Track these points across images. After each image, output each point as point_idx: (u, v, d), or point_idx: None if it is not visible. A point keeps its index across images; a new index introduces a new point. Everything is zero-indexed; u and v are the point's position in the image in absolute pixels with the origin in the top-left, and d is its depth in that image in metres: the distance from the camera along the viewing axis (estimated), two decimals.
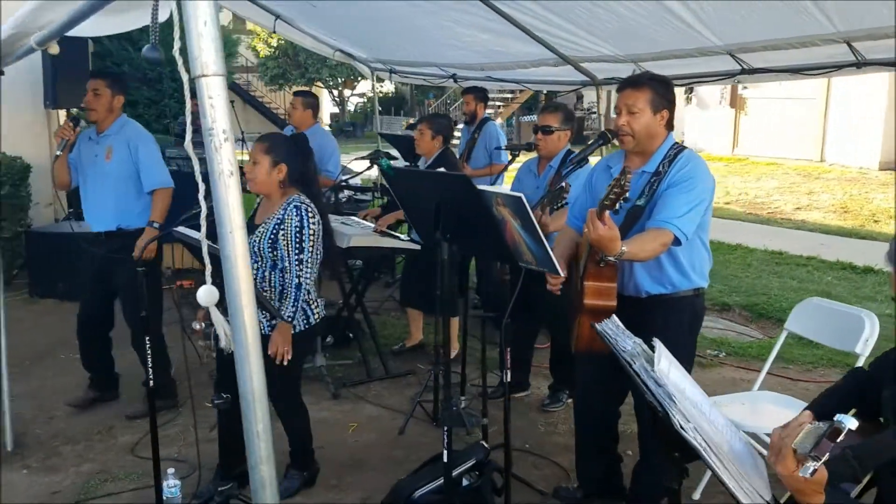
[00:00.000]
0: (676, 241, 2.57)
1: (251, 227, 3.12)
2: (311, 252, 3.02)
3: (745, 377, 4.73)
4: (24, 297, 6.24)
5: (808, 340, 3.95)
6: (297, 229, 2.99)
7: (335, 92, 27.56)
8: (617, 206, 2.26)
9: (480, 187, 2.32)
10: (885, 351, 1.65)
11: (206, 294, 1.44)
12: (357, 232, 4.44)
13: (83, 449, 3.70)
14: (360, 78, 19.96)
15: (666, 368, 1.47)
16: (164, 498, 3.02)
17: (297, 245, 2.99)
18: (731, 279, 6.94)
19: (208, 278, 1.44)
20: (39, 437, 3.81)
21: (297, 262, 3.00)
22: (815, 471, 1.29)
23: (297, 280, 3.00)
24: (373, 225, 4.69)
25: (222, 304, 1.39)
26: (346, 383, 4.52)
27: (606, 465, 3.24)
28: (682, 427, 1.29)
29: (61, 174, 3.95)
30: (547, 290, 2.89)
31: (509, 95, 21.82)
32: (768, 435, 2.89)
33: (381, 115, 25.93)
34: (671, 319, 2.82)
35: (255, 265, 3.07)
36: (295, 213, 3.00)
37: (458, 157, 6.12)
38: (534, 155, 4.15)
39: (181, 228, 2.82)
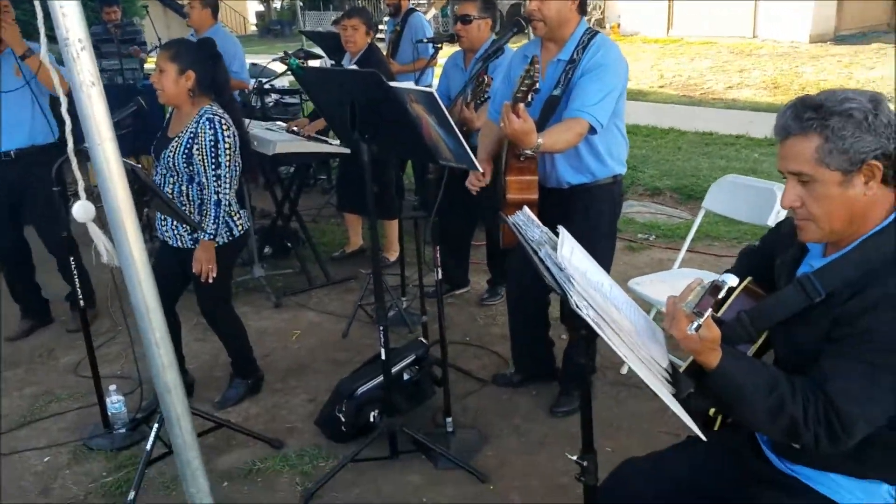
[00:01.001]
0: (592, 130, 2.60)
1: (164, 140, 3.04)
2: (229, 166, 2.95)
3: (672, 257, 4.88)
4: None
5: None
6: (212, 143, 2.91)
7: None
8: (529, 97, 2.25)
9: (392, 84, 2.28)
10: (775, 225, 1.74)
11: (82, 210, 1.41)
12: (283, 138, 4.34)
13: (24, 372, 3.70)
14: None
15: (568, 253, 1.53)
16: (110, 413, 3.08)
17: (213, 160, 2.92)
18: (662, 163, 7.07)
19: (81, 193, 1.41)
20: None
21: (214, 178, 2.94)
22: (699, 325, 1.38)
23: (215, 196, 2.95)
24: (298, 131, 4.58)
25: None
26: (287, 292, 4.55)
27: (540, 349, 3.39)
28: (577, 306, 1.36)
29: None
30: (480, 187, 2.92)
31: None
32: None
33: (308, 11, 24.84)
34: (592, 208, 2.90)
35: (172, 179, 3.01)
36: (209, 127, 2.91)
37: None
38: (459, 48, 4.07)
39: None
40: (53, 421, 3.25)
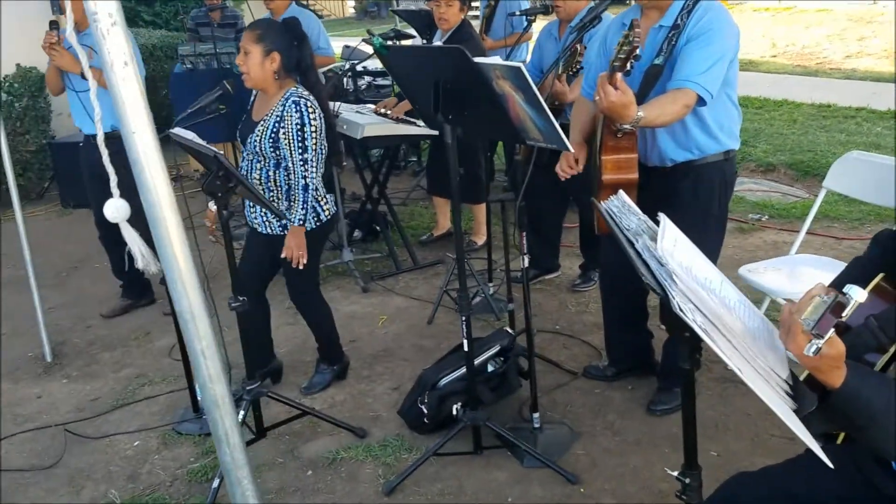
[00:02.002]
0: (701, 101, 2.35)
1: (250, 124, 2.99)
2: (315, 149, 2.88)
3: (787, 240, 4.53)
4: (57, 209, 6.34)
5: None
6: (298, 127, 2.84)
7: None
8: (628, 66, 2.03)
9: (476, 59, 2.11)
10: None
11: (113, 208, 1.26)
12: (372, 121, 4.26)
13: (121, 355, 3.79)
14: None
15: (670, 246, 1.33)
16: (199, 399, 3.10)
17: (300, 144, 2.85)
18: (776, 137, 6.58)
19: (114, 189, 1.29)
20: (78, 346, 3.91)
21: (301, 162, 2.87)
22: (818, 349, 1.16)
23: (303, 181, 2.88)
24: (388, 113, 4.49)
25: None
26: (374, 277, 4.49)
27: (636, 341, 3.17)
28: (680, 309, 1.17)
29: (53, 81, 3.85)
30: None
31: None
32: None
33: None
34: (700, 188, 2.64)
35: (259, 164, 2.97)
36: (294, 110, 2.84)
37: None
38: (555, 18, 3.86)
39: (177, 130, 2.70)
40: (146, 405, 3.31)
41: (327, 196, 3.07)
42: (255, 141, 2.92)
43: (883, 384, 1.27)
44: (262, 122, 2.92)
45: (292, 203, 2.93)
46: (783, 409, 1.18)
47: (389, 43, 2.60)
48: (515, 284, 3.66)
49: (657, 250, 1.30)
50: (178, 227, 0.90)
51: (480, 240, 4.76)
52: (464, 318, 2.63)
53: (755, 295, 3.43)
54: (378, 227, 4.93)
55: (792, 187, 5.56)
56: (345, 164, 6.11)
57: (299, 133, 2.84)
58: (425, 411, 2.82)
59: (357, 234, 5.02)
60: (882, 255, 1.63)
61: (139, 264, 1.53)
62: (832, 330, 1.15)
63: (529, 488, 2.59)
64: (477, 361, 2.90)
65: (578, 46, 2.93)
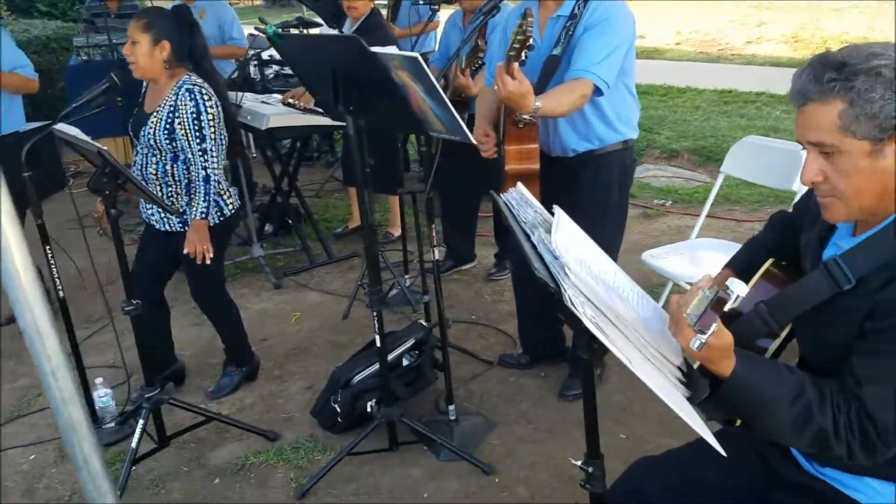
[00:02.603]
0: (598, 91, 2.37)
1: (142, 116, 2.85)
2: (214, 139, 2.76)
3: (691, 224, 4.63)
4: None
5: None
6: (194, 116, 2.72)
7: None
8: (523, 55, 2.02)
9: (374, 49, 2.06)
10: (809, 189, 1.51)
11: None
12: (278, 111, 4.14)
13: (15, 363, 3.57)
14: None
15: (564, 238, 1.32)
16: (98, 408, 2.94)
17: (198, 133, 2.73)
18: (679, 124, 6.78)
19: None
20: None
21: (200, 153, 2.75)
22: (702, 344, 1.18)
23: (203, 172, 2.76)
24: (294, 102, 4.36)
25: None
26: (286, 272, 4.38)
27: (548, 328, 3.20)
28: (571, 302, 1.16)
29: None
30: (481, 157, 2.71)
31: None
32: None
33: None
34: (600, 177, 2.69)
35: (154, 158, 2.83)
36: (189, 98, 2.72)
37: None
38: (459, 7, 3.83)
39: (60, 125, 2.54)
40: (42, 416, 3.12)
41: (230, 189, 2.96)
42: (149, 133, 2.78)
43: (773, 372, 1.30)
44: (154, 114, 2.78)
45: (193, 197, 2.80)
46: (674, 399, 1.19)
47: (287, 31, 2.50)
48: (432, 275, 3.64)
49: (552, 243, 1.28)
50: (19, 240, 0.81)
51: (396, 231, 4.71)
52: (375, 314, 2.58)
53: (659, 279, 3.52)
54: (290, 221, 4.81)
55: (695, 172, 5.74)
56: (254, 156, 5.98)
57: (196, 122, 2.72)
58: (338, 410, 2.76)
59: (268, 228, 4.89)
60: (776, 236, 1.68)
61: None
62: (714, 326, 1.16)
63: (445, 482, 2.58)
64: (391, 356, 2.86)
65: (479, 42, 2.91)
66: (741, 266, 1.65)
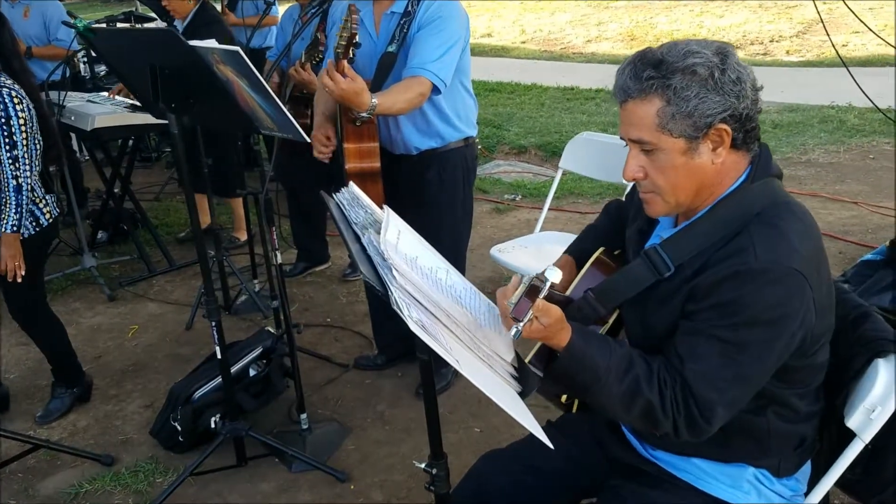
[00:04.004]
0: (435, 90, 2.36)
1: None
2: (26, 144, 2.52)
3: (539, 217, 4.82)
4: None
5: None
6: (4, 120, 2.47)
7: None
8: (351, 52, 1.97)
9: (193, 43, 1.93)
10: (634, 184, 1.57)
11: None
12: (104, 111, 3.84)
13: None
14: None
15: (394, 238, 1.29)
16: None
17: (8, 140, 2.48)
18: (526, 121, 7.00)
19: None
20: None
21: (10, 160, 2.50)
22: (518, 332, 1.19)
23: (14, 181, 2.51)
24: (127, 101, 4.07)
25: None
26: (123, 282, 4.08)
27: (401, 326, 3.16)
28: (398, 306, 1.13)
29: None
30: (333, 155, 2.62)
31: None
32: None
33: None
34: (446, 174, 2.70)
35: None
36: None
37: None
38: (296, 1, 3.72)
39: None
40: None
41: (46, 197, 2.71)
42: None
43: (605, 345, 1.33)
44: None
45: (3, 208, 2.54)
46: (502, 396, 1.19)
47: (98, 26, 2.30)
48: (287, 279, 3.52)
49: (381, 244, 1.24)
50: None
51: (242, 235, 4.52)
52: (213, 324, 2.44)
53: (508, 273, 3.60)
54: (125, 227, 4.50)
55: (542, 167, 5.94)
56: (85, 159, 5.54)
57: (5, 127, 2.47)
58: (179, 428, 2.59)
59: (101, 236, 4.54)
60: (610, 224, 1.73)
61: None
62: (529, 313, 1.17)
63: (298, 495, 2.49)
64: (236, 367, 2.73)
65: (319, 35, 2.83)
66: (578, 254, 1.70)
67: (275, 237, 2.59)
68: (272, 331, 3.02)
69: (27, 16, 4.53)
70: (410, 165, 2.67)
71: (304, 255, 4.22)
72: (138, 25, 5.50)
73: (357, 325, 3.62)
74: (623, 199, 1.80)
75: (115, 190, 4.40)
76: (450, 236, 2.77)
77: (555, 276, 1.16)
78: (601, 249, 1.64)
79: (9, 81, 2.54)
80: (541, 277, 1.17)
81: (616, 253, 1.66)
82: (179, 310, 3.81)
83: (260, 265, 3.94)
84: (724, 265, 1.26)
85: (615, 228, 1.71)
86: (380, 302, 3.12)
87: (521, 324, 1.17)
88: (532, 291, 1.17)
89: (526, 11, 14.29)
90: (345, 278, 4.13)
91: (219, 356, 2.46)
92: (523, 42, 11.83)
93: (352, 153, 2.41)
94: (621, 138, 1.38)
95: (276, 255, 2.61)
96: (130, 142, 4.50)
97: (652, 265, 1.36)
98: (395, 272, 1.16)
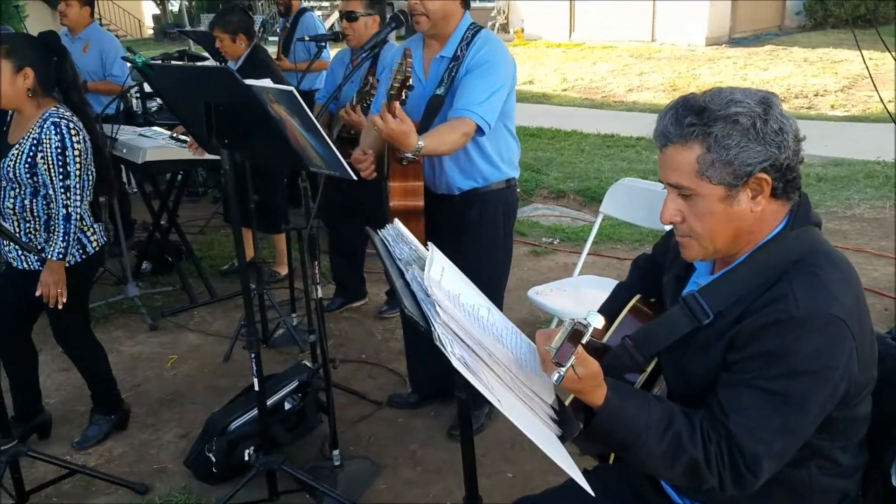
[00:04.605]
0: (479, 131, 2.40)
1: (3, 147, 2.65)
2: (79, 175, 2.60)
3: (577, 261, 4.78)
4: None
5: None
6: (59, 150, 2.55)
7: None
8: (403, 95, 2.03)
9: (248, 82, 2.00)
10: (668, 230, 1.57)
11: None
12: (155, 145, 3.97)
13: None
14: None
15: (437, 275, 1.30)
16: None
17: (62, 169, 2.56)
18: (566, 166, 7.02)
19: None
20: None
21: (62, 189, 2.58)
22: (560, 377, 1.18)
23: (64, 210, 2.59)
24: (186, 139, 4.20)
25: None
26: (165, 312, 4.16)
27: (436, 365, 3.16)
28: (441, 342, 1.14)
29: None
30: (371, 192, 2.68)
31: None
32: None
33: (206, 14, 23.92)
34: (486, 215, 2.72)
35: (12, 192, 2.63)
36: (54, 132, 2.55)
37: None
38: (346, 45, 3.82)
39: None
40: None
41: (94, 225, 2.79)
42: (9, 166, 2.59)
43: (643, 402, 1.32)
44: (17, 146, 2.60)
45: (51, 235, 2.62)
46: (543, 438, 1.18)
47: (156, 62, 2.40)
48: (324, 314, 3.55)
49: (425, 280, 1.26)
50: None
51: (283, 270, 4.59)
52: (253, 355, 2.47)
53: (547, 316, 3.58)
54: (170, 259, 4.59)
55: (580, 212, 5.94)
56: (134, 191, 5.70)
57: (60, 157, 2.56)
58: (213, 459, 2.61)
59: (145, 266, 4.64)
60: (640, 278, 1.73)
61: None
62: (572, 358, 1.17)
63: None
64: (272, 400, 2.75)
65: (371, 79, 2.91)
66: (610, 313, 1.69)
67: (316, 272, 2.63)
68: (309, 365, 3.04)
69: (86, 51, 4.72)
70: (452, 205, 2.70)
71: (341, 291, 4.26)
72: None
73: (392, 362, 3.63)
74: (651, 251, 1.79)
75: (162, 222, 4.51)
76: (488, 276, 2.77)
77: (597, 321, 1.16)
78: (637, 297, 1.64)
79: (68, 113, 2.64)
80: (583, 322, 1.17)
81: (652, 301, 1.66)
82: (219, 341, 3.86)
83: (299, 299, 3.98)
84: (764, 313, 1.25)
85: (644, 281, 1.71)
86: (416, 340, 3.14)
87: (564, 369, 1.17)
88: (574, 336, 1.17)
89: (568, 60, 14.45)
90: (381, 315, 4.15)
91: (256, 388, 2.48)
92: (564, 90, 11.93)
93: (396, 191, 2.46)
94: (660, 181, 1.38)
95: (316, 290, 2.64)
96: (179, 176, 4.62)
97: (690, 312, 1.35)
98: (438, 308, 1.17)
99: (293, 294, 3.97)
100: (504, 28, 18.38)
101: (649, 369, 1.45)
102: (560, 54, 15.27)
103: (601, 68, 13.37)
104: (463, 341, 1.16)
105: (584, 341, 1.16)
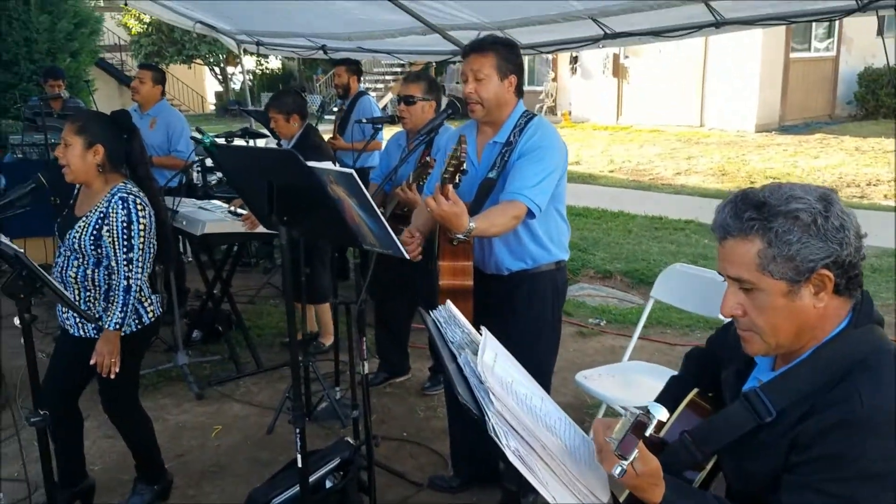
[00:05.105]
0: (530, 214, 2.43)
1: (70, 219, 2.77)
2: (142, 249, 2.69)
3: (624, 345, 4.67)
4: None
5: None
6: (125, 225, 2.66)
7: (217, 69, 26.30)
8: (457, 178, 2.08)
9: (311, 164, 2.08)
10: (724, 324, 1.54)
11: None
12: (214, 217, 4.10)
13: None
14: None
15: (490, 360, 1.30)
16: None
17: (126, 243, 2.66)
18: (613, 246, 7.00)
19: None
20: None
21: (125, 262, 2.67)
22: (623, 471, 1.15)
23: (125, 282, 2.67)
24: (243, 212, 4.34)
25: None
26: (211, 382, 4.20)
27: (480, 449, 3.10)
28: (495, 432, 1.12)
29: None
30: (419, 267, 2.71)
31: (400, 70, 21.47)
32: (639, 408, 2.86)
33: (267, 92, 24.98)
34: (534, 297, 2.72)
35: (76, 262, 2.72)
36: (121, 207, 2.66)
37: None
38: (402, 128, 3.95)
39: None
40: None
41: (152, 297, 2.86)
42: (74, 237, 2.69)
43: (702, 502, 1.27)
44: (83, 218, 2.71)
45: (110, 305, 2.69)
46: None
47: (221, 141, 2.52)
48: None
49: (478, 365, 1.26)
50: None
51: (328, 341, 4.63)
52: (297, 431, 2.46)
53: (593, 400, 3.51)
54: (219, 328, 4.67)
55: (628, 294, 5.87)
56: (189, 260, 5.87)
57: (125, 231, 2.66)
58: None
59: (196, 334, 4.72)
60: (694, 371, 1.70)
61: None
62: (636, 451, 1.14)
63: None
64: (314, 477, 2.72)
65: (429, 160, 2.99)
66: (665, 405, 1.65)
67: (364, 348, 2.64)
68: (351, 441, 3.02)
69: (153, 127, 4.95)
70: (501, 285, 2.71)
71: (385, 365, 4.26)
72: (251, 142, 5.93)
73: (434, 441, 3.57)
74: (704, 345, 1.76)
75: (215, 291, 4.61)
76: (536, 358, 2.74)
77: (662, 413, 1.14)
78: (695, 391, 1.60)
79: (134, 189, 2.75)
80: (647, 414, 1.15)
81: (710, 395, 1.62)
82: (262, 412, 3.86)
83: (342, 372, 3.99)
84: (828, 413, 1.22)
85: (699, 375, 1.68)
86: (459, 421, 3.09)
87: (627, 462, 1.14)
88: (638, 428, 1.14)
89: (615, 142, 14.59)
90: (424, 392, 4.12)
91: (300, 464, 2.46)
92: (611, 171, 12.00)
93: (446, 270, 2.48)
94: (719, 273, 1.37)
95: (363, 366, 2.65)
96: (234, 247, 4.74)
97: (753, 409, 1.31)
98: (492, 396, 1.17)
99: (338, 367, 3.98)
100: (551, 110, 18.76)
101: (708, 467, 1.40)
102: (607, 136, 15.44)
103: (648, 151, 13.45)
104: (517, 432, 1.15)
105: (648, 432, 1.14)
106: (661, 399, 1.67)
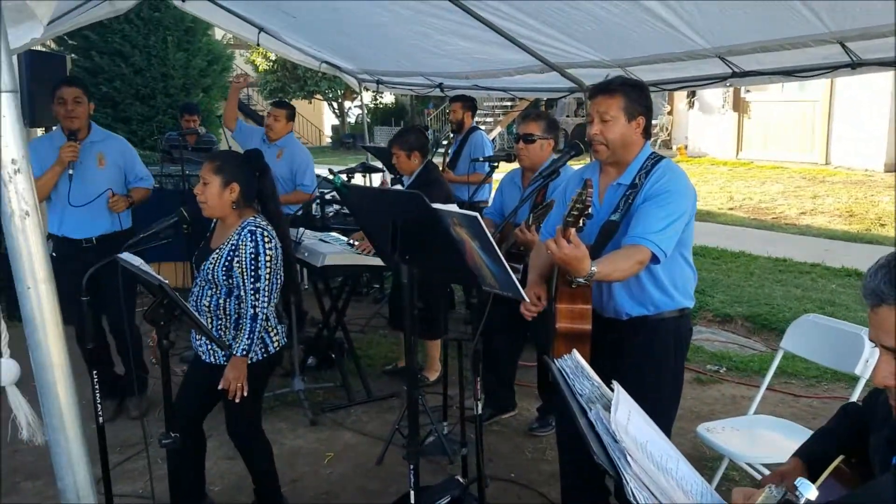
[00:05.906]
0: (655, 259, 2.36)
1: (206, 251, 2.94)
2: (269, 279, 2.82)
3: (745, 394, 4.49)
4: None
5: None
6: (253, 256, 2.80)
7: (335, 104, 27.46)
8: (581, 222, 2.05)
9: (436, 206, 2.12)
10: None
11: (6, 371, 1.06)
12: (334, 250, 4.24)
13: (43, 485, 3.50)
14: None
15: (624, 419, 1.26)
16: None
17: (253, 273, 2.80)
18: (733, 289, 6.70)
19: (4, 349, 1.15)
20: None
21: (252, 291, 2.80)
22: None
23: (252, 311, 2.80)
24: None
25: None
26: (324, 408, 4.31)
27: (594, 499, 3.01)
28: (633, 496, 1.08)
29: (48, 188, 3.88)
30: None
31: (509, 104, 21.63)
32: (766, 467, 2.68)
33: (380, 126, 25.80)
34: (655, 344, 2.62)
35: (210, 291, 2.88)
36: (250, 239, 2.80)
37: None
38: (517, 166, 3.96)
39: (125, 255, 2.62)
40: None
41: (278, 327, 2.97)
42: (209, 269, 2.85)
43: None
44: (217, 251, 2.86)
45: (238, 333, 2.82)
46: None
47: (350, 181, 2.60)
48: (471, 425, 3.52)
49: (612, 423, 1.22)
50: (69, 391, 0.80)
51: (433, 375, 4.66)
52: (411, 467, 2.48)
53: (713, 453, 3.34)
54: (333, 355, 4.80)
55: (749, 339, 5.59)
56: (305, 287, 6.09)
57: (253, 262, 2.79)
58: None
59: (311, 361, 4.87)
60: (846, 430, 1.59)
61: (24, 434, 1.38)
62: None
63: None
64: None
65: (550, 200, 2.98)
66: (810, 458, 1.55)
67: (479, 387, 2.63)
68: (460, 480, 3.00)
69: (279, 158, 5.18)
70: (619, 330, 2.63)
71: (491, 401, 4.22)
72: (367, 176, 6.11)
73: (543, 485, 3.50)
74: (860, 402, 1.64)
75: (330, 319, 4.75)
76: (653, 409, 2.64)
77: (811, 492, 1.06)
78: (840, 458, 1.49)
79: (264, 223, 2.89)
80: (796, 494, 1.08)
81: (853, 462, 1.50)
82: (372, 442, 3.92)
83: (449, 407, 3.99)
84: None
85: (851, 435, 1.56)
86: (573, 467, 3.00)
87: None
88: None
89: (734, 179, 14.04)
90: (531, 432, 4.06)
91: (412, 500, 2.48)
92: (731, 208, 11.54)
93: (564, 314, 2.44)
94: (871, 340, 1.28)
95: (478, 406, 2.64)
96: (349, 280, 4.88)
97: None
98: (629, 458, 1.13)
99: (446, 402, 3.99)
100: (666, 144, 18.31)
101: None
102: (726, 172, 14.88)
103: (770, 188, 12.86)
104: (655, 497, 1.10)
105: None
106: (805, 451, 1.57)
